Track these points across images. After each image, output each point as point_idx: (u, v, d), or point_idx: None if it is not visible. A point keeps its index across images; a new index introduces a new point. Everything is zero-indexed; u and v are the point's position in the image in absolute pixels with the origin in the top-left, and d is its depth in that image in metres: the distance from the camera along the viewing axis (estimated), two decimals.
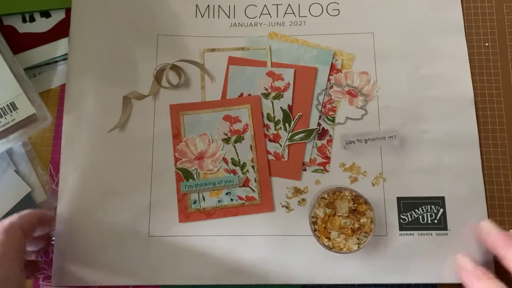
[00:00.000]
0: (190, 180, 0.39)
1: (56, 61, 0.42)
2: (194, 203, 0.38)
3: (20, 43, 0.42)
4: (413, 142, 0.39)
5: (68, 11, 0.43)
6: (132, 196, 0.39)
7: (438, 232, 0.37)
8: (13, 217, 0.32)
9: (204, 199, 0.39)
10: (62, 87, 0.42)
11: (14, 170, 0.40)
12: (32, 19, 0.43)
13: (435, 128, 0.39)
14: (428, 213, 0.38)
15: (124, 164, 0.39)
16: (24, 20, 0.43)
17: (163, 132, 0.40)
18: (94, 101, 0.40)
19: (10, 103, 0.37)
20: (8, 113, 0.37)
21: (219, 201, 0.38)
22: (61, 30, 0.43)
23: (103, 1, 0.42)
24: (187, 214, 0.38)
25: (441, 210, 0.38)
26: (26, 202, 0.39)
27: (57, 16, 0.43)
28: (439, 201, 0.38)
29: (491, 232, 0.34)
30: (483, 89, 0.40)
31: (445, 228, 0.37)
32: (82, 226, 0.38)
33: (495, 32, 0.42)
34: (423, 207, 0.38)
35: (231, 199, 0.38)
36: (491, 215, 0.38)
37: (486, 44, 0.42)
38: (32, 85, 0.39)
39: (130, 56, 0.41)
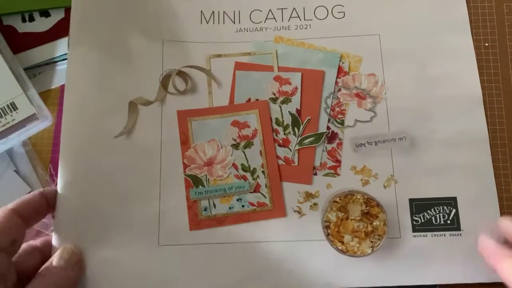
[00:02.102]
0: (200, 186, 0.38)
1: (56, 61, 0.42)
2: (205, 210, 0.38)
3: (20, 43, 0.42)
4: (423, 142, 0.39)
5: (67, 10, 0.42)
6: (140, 204, 0.38)
7: (451, 232, 0.37)
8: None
9: (215, 206, 0.38)
10: (62, 87, 0.41)
11: (14, 170, 0.40)
12: (31, 19, 0.43)
13: (444, 127, 0.39)
14: (441, 214, 0.37)
15: (132, 171, 0.38)
16: (23, 20, 0.43)
17: (171, 138, 0.39)
18: (96, 107, 0.39)
19: (10, 103, 0.37)
20: (8, 113, 0.37)
21: (230, 207, 0.38)
22: (61, 30, 0.42)
23: (104, 8, 0.42)
24: (197, 221, 0.38)
25: (454, 210, 0.37)
26: None
27: (57, 16, 0.43)
28: (451, 202, 0.38)
29: (486, 245, 0.34)
30: (483, 89, 0.40)
31: (458, 228, 0.37)
32: (86, 236, 0.37)
33: (495, 32, 0.42)
34: (435, 208, 0.38)
35: (242, 206, 0.38)
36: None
37: (486, 44, 0.42)
38: (32, 85, 0.39)
39: (134, 62, 0.41)
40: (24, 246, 0.34)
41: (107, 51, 0.40)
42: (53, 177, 0.40)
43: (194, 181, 0.38)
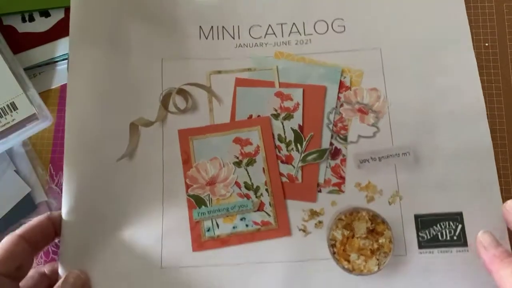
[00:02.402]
0: (203, 207, 0.38)
1: (56, 61, 0.42)
2: (208, 230, 0.37)
3: (20, 43, 0.42)
4: (427, 157, 0.38)
5: (67, 10, 0.42)
6: (143, 227, 0.37)
7: (458, 248, 0.37)
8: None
9: (218, 226, 0.37)
10: (62, 87, 0.42)
11: (14, 170, 0.40)
12: (31, 19, 0.43)
13: (448, 141, 0.38)
14: (447, 230, 0.37)
15: (134, 193, 0.38)
16: (23, 20, 0.43)
17: (173, 158, 0.39)
18: (97, 130, 0.39)
19: (10, 103, 0.38)
20: (8, 113, 0.37)
21: (233, 227, 0.37)
22: (61, 30, 0.42)
23: (101, 28, 0.41)
24: (201, 242, 0.37)
25: (460, 226, 0.37)
26: (26, 202, 0.39)
27: (57, 16, 0.43)
28: (457, 217, 0.37)
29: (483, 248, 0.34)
30: (483, 89, 0.40)
31: (465, 244, 0.37)
32: (90, 259, 0.36)
33: (495, 32, 0.42)
34: (441, 223, 0.37)
35: (246, 225, 0.37)
36: None
37: (486, 44, 0.42)
38: (32, 85, 0.39)
39: (134, 82, 0.40)
40: (31, 272, 0.34)
41: (106, 72, 0.40)
42: (53, 177, 0.40)
43: (196, 201, 0.38)
